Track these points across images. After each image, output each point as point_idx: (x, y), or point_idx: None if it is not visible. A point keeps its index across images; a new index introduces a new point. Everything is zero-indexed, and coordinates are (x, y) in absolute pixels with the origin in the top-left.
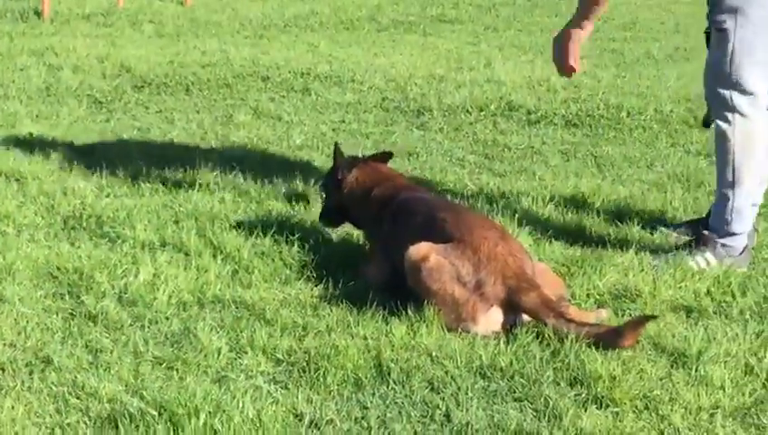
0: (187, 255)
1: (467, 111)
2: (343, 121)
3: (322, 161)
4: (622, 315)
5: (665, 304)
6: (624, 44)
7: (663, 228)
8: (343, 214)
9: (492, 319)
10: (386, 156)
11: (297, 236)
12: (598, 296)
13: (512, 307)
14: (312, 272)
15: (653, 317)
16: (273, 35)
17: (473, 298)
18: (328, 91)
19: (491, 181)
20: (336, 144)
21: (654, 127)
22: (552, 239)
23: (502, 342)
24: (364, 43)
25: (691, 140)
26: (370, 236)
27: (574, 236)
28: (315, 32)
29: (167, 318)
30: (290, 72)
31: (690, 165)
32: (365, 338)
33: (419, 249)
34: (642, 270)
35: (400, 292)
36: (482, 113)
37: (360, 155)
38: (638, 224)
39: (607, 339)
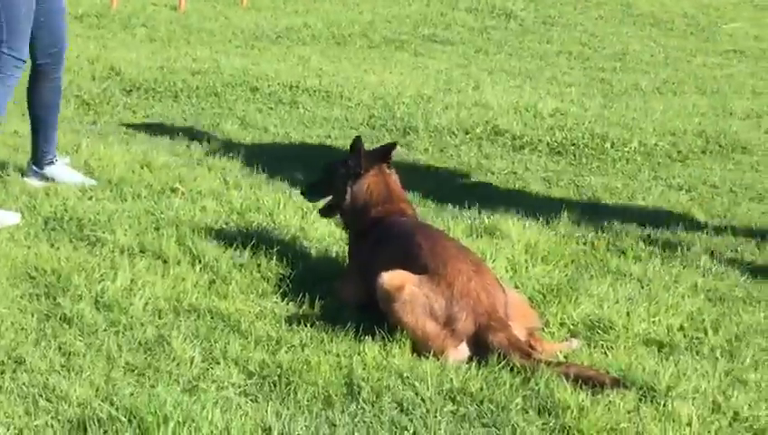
0: (165, 262)
1: (453, 133)
2: (329, 137)
3: (305, 174)
4: (594, 347)
5: (638, 337)
6: (613, 75)
7: None
8: (334, 205)
9: (460, 354)
10: (390, 148)
11: (276, 249)
12: (571, 326)
13: (480, 344)
14: (288, 286)
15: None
16: (264, 46)
17: (443, 333)
18: (316, 106)
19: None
20: (358, 137)
21: (637, 159)
22: (530, 266)
23: (473, 366)
24: (355, 58)
25: (673, 174)
26: (351, 247)
27: (552, 263)
28: (307, 45)
29: (141, 325)
30: (279, 84)
31: (670, 199)
32: (338, 355)
33: (394, 278)
34: (617, 302)
35: (373, 312)
36: (467, 136)
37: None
38: (618, 256)
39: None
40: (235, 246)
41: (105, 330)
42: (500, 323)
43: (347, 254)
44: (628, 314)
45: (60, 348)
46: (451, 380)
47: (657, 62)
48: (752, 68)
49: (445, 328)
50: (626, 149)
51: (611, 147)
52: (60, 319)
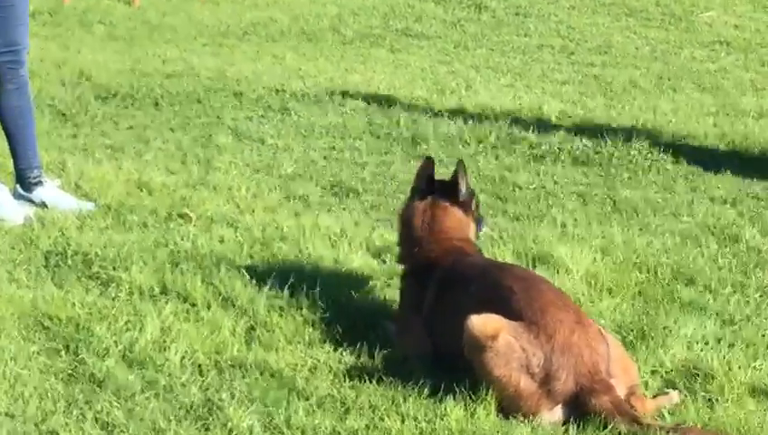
0: (193, 305)
1: (466, 141)
2: (333, 148)
3: (318, 194)
4: (694, 400)
5: (742, 386)
6: (604, 70)
7: None
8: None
9: (554, 417)
10: (456, 179)
11: (314, 286)
12: (664, 374)
13: (579, 406)
14: (337, 332)
15: None
16: (232, 44)
17: (538, 393)
18: (308, 112)
19: (509, 227)
20: (427, 159)
21: (669, 168)
22: (596, 300)
23: (572, 429)
24: (331, 56)
25: (710, 184)
26: (405, 288)
27: (619, 296)
28: (277, 42)
29: (183, 385)
30: (263, 88)
31: (718, 215)
32: (416, 419)
33: (487, 323)
34: (706, 343)
35: (440, 363)
36: (481, 145)
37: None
38: (686, 284)
39: None
40: (268, 284)
41: (142, 392)
42: (603, 385)
43: (400, 295)
44: (725, 358)
45: (96, 418)
46: None
47: (644, 55)
48: (742, 61)
49: (541, 387)
50: (653, 157)
51: (639, 154)
52: (88, 380)
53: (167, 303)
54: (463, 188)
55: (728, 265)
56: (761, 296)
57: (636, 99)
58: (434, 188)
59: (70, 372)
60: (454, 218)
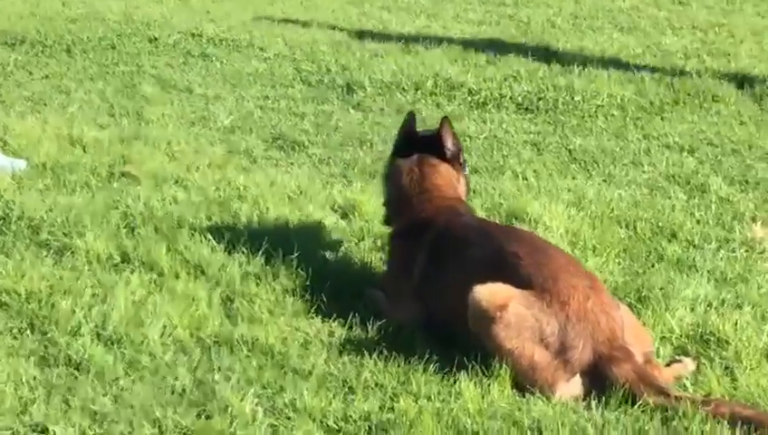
0: (160, 275)
1: (403, 88)
2: (267, 98)
3: (262, 147)
4: (712, 368)
5: (758, 352)
6: (518, 9)
7: None
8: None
9: (573, 389)
10: (443, 132)
11: (285, 250)
12: (674, 341)
13: (598, 377)
14: (321, 301)
15: None
16: None
17: (554, 364)
18: (229, 58)
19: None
20: (409, 113)
21: (614, 114)
22: (583, 260)
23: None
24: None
25: (662, 131)
26: (394, 251)
27: (605, 255)
28: None
29: (168, 366)
30: (178, 32)
31: (679, 163)
32: (429, 399)
33: (494, 292)
34: (710, 305)
35: (438, 331)
36: (419, 92)
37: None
38: (669, 240)
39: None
40: (237, 249)
41: (127, 375)
42: (624, 352)
43: (388, 258)
44: (736, 322)
45: (83, 408)
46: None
47: None
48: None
49: (557, 358)
50: (597, 103)
51: (583, 101)
52: (64, 363)
53: (132, 272)
54: (449, 145)
55: (705, 218)
56: (746, 252)
57: (558, 40)
58: (417, 145)
59: (42, 354)
60: (444, 175)
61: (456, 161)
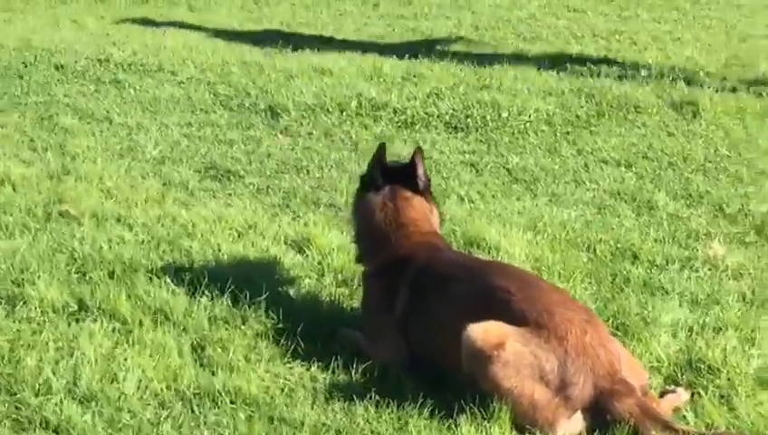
0: (124, 323)
1: (327, 110)
2: (190, 125)
3: (196, 178)
4: (710, 398)
5: (750, 378)
6: (418, 22)
7: None
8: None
9: (574, 426)
10: (415, 164)
11: (249, 289)
12: (662, 369)
13: (600, 412)
14: (297, 344)
15: None
16: (20, 8)
17: (555, 401)
18: (143, 84)
19: None
20: (380, 145)
21: (544, 129)
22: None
23: None
24: (132, 19)
25: (594, 146)
26: (370, 290)
27: (571, 280)
28: (67, 4)
29: (152, 424)
30: (86, 59)
31: (620, 179)
32: None
33: (489, 331)
34: (691, 329)
35: (422, 371)
36: (344, 114)
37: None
38: (632, 262)
39: None
40: (199, 291)
41: None
42: (625, 386)
43: (364, 297)
44: (724, 348)
45: None
46: None
47: (447, 4)
48: (547, 6)
49: (558, 395)
50: (525, 118)
51: (510, 117)
52: (42, 426)
53: (94, 322)
54: (421, 175)
55: (661, 237)
56: (710, 271)
57: (465, 54)
58: (387, 177)
59: (15, 417)
60: (418, 209)
61: (427, 192)
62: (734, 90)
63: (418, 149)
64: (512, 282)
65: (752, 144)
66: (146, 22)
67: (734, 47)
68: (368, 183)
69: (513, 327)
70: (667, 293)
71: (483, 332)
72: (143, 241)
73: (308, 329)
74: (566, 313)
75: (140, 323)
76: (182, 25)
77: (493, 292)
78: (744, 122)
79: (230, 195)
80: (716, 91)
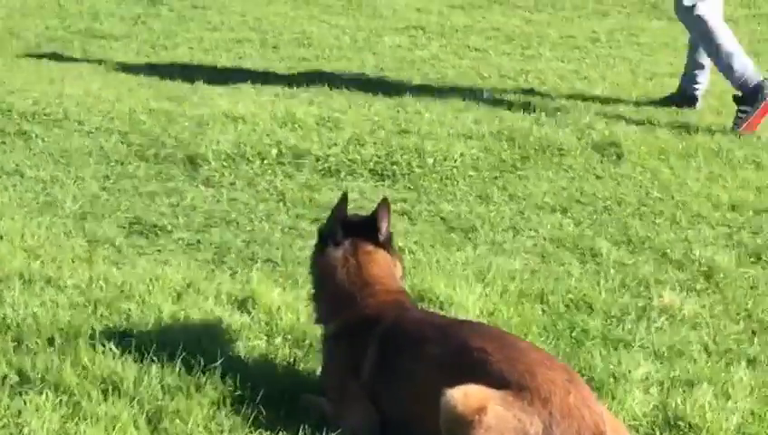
0: (70, 396)
1: (248, 159)
2: (107, 177)
3: (122, 235)
4: None
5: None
6: (320, 64)
7: None
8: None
9: None
10: (380, 215)
11: (203, 354)
12: (640, 429)
13: None
14: (259, 411)
15: None
16: None
17: None
18: (50, 135)
19: None
20: (342, 195)
21: (472, 174)
22: None
23: None
24: (27, 66)
25: (526, 192)
26: (332, 355)
27: (530, 336)
28: None
29: None
30: None
31: (558, 226)
32: None
33: (469, 395)
34: (662, 384)
35: None
36: (265, 162)
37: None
38: (588, 314)
39: None
40: (146, 357)
41: None
42: None
43: (326, 361)
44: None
45: None
46: None
47: (348, 45)
48: (448, 47)
49: None
50: (451, 164)
51: (435, 162)
52: None
53: (39, 394)
54: (383, 228)
55: (612, 286)
56: (668, 321)
57: (375, 96)
58: (347, 230)
59: None
60: (383, 264)
61: (389, 245)
62: (652, 128)
63: (384, 201)
64: (488, 342)
65: (682, 186)
66: (44, 68)
67: (642, 85)
68: (326, 237)
69: (495, 390)
70: (628, 346)
71: (463, 396)
72: (78, 304)
73: (268, 395)
74: (548, 373)
75: (89, 395)
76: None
77: (469, 353)
78: (668, 163)
79: (159, 251)
80: (635, 131)
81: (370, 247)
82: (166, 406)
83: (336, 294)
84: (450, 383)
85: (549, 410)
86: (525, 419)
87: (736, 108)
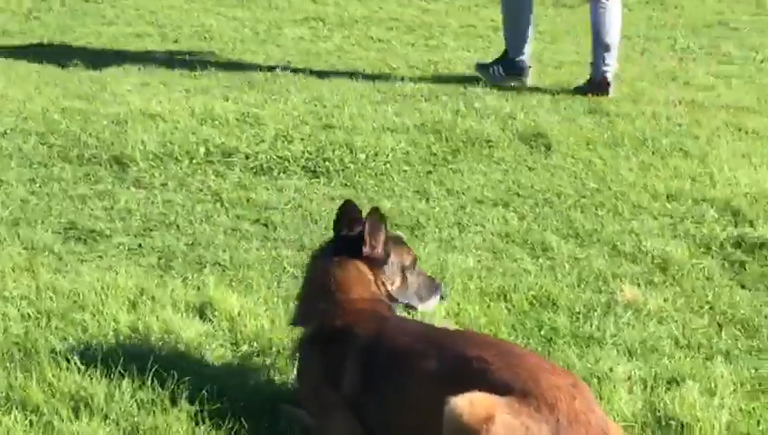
0: (40, 415)
1: (176, 159)
2: (33, 181)
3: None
4: None
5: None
6: (229, 56)
7: None
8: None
9: None
10: (369, 228)
11: (173, 367)
12: (632, 430)
13: None
14: (241, 424)
15: None
16: None
17: None
18: None
19: (298, 257)
20: (345, 202)
21: (406, 170)
22: None
23: None
24: None
25: (463, 186)
26: (310, 364)
27: (502, 335)
28: None
29: None
30: None
31: (503, 220)
32: None
33: (476, 404)
34: (645, 382)
35: None
36: (194, 161)
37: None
38: (554, 311)
39: None
40: (112, 371)
41: None
42: None
43: (303, 368)
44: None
45: None
46: None
47: (250, 38)
48: (351, 38)
49: None
50: (384, 159)
51: (367, 158)
52: None
53: (7, 414)
54: (367, 240)
55: (571, 282)
56: (634, 315)
57: (290, 90)
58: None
59: None
60: (351, 275)
61: (377, 259)
62: (573, 118)
63: (373, 211)
64: (485, 350)
65: (617, 176)
66: None
67: (552, 74)
68: (320, 246)
69: (500, 398)
70: (600, 343)
71: (469, 404)
72: (29, 316)
73: (245, 406)
74: (551, 378)
75: (58, 414)
76: None
77: (468, 363)
78: (597, 153)
79: (101, 257)
80: (558, 121)
81: (345, 260)
82: (142, 422)
83: (313, 299)
84: (444, 392)
85: (556, 417)
86: (534, 426)
87: (497, 60)
